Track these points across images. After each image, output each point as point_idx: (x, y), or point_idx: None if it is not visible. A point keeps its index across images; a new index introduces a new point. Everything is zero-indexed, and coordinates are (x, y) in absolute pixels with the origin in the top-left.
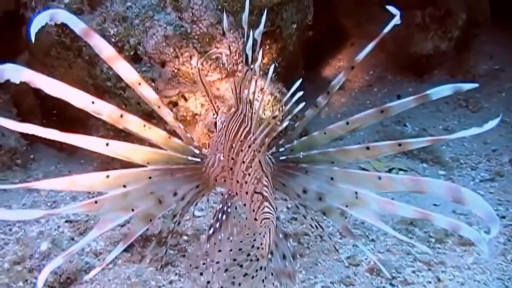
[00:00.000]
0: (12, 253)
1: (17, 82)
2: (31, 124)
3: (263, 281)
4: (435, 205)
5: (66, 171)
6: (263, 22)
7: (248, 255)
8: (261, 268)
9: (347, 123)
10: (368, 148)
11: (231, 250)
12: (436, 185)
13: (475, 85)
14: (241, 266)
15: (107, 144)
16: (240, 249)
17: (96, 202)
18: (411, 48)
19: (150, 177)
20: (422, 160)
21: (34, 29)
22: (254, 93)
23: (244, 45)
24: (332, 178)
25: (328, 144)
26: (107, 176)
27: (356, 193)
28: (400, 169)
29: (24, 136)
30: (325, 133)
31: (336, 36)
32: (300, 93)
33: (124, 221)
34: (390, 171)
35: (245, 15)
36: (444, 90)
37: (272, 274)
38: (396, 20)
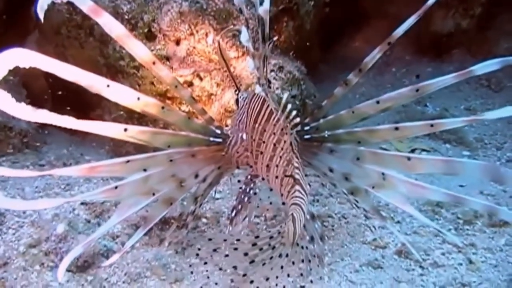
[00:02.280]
0: (27, 236)
1: (26, 67)
2: (45, 111)
3: (282, 267)
4: (461, 186)
5: (78, 154)
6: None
7: (270, 240)
8: (280, 256)
9: (378, 102)
10: (397, 128)
11: (249, 234)
12: (471, 166)
13: None
14: (261, 249)
15: (125, 130)
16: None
17: (116, 187)
18: (431, 27)
19: (171, 160)
20: (445, 140)
21: (40, 9)
22: (265, 71)
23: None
24: (358, 159)
25: (355, 124)
26: (127, 161)
27: (383, 174)
28: (423, 150)
29: None
30: (353, 112)
31: (354, 16)
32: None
33: None
34: (412, 151)
35: None
36: (491, 65)
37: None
38: None
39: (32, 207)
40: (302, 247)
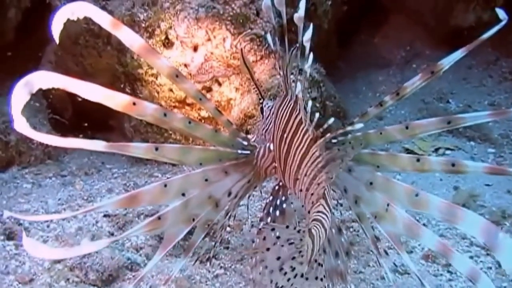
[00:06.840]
0: None
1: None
2: (75, 138)
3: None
4: (487, 185)
5: (99, 163)
6: (303, 6)
7: (293, 260)
8: (295, 276)
9: (407, 127)
10: (418, 160)
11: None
12: (472, 219)
13: None
14: (285, 272)
15: (156, 149)
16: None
17: (159, 218)
18: (451, 20)
19: (206, 180)
20: (469, 138)
21: (56, 27)
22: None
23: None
24: (371, 183)
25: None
26: (165, 185)
27: (387, 205)
28: (448, 148)
29: (56, 128)
30: (381, 133)
31: (371, 11)
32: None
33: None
34: (436, 150)
35: None
36: None
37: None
38: (501, 25)
39: (78, 252)
40: (321, 264)
